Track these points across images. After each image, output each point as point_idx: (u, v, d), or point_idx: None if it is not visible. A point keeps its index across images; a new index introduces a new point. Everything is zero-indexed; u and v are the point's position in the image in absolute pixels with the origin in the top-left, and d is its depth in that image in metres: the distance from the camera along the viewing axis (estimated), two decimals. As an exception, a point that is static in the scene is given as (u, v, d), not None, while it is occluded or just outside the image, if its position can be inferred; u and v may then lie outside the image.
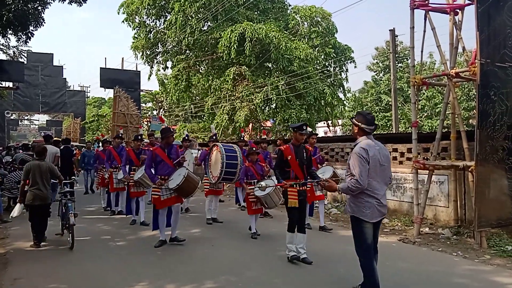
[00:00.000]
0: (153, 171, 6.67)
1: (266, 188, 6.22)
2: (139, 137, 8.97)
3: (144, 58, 27.57)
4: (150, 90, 36.88)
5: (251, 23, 22.09)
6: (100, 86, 27.11)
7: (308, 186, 6.06)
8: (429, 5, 7.51)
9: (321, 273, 5.18)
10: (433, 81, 8.54)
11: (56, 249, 6.54)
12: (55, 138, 13.92)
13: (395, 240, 7.12)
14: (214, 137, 9.07)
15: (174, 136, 6.89)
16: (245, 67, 22.43)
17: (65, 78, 38.91)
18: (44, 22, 12.73)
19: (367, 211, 4.01)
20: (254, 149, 7.90)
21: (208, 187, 8.58)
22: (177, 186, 6.24)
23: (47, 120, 54.86)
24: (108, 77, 26.07)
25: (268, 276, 5.14)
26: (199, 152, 9.21)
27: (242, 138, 11.37)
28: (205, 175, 8.50)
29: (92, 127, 41.04)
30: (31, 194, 6.62)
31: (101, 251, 6.45)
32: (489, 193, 6.42)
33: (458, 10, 7.48)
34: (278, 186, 5.92)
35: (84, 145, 19.54)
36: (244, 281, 4.92)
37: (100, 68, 27.13)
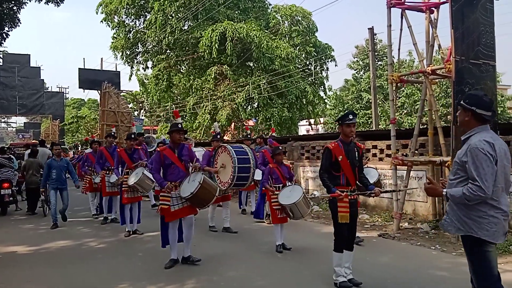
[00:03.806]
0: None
1: (318, 197, 4.69)
2: (132, 136, 8.03)
3: (124, 58, 27.25)
4: (131, 91, 36.44)
5: (232, 22, 22.07)
6: (79, 87, 26.56)
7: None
8: (405, 3, 7.64)
9: (304, 271, 5.22)
10: (411, 78, 8.69)
11: (37, 253, 6.44)
12: (34, 141, 14.98)
13: (375, 236, 7.22)
14: (218, 136, 7.71)
15: (183, 134, 5.81)
16: (227, 67, 22.41)
17: (43, 80, 38.11)
18: (20, 23, 12.48)
19: (492, 228, 2.90)
20: (280, 148, 6.63)
21: None
22: (191, 194, 5.20)
23: (24, 123, 53.81)
24: (87, 78, 25.55)
25: (251, 274, 5.15)
26: (204, 152, 7.93)
27: (248, 136, 9.75)
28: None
29: (71, 129, 40.38)
30: (28, 181, 10.36)
31: (82, 254, 6.36)
32: (465, 187, 6.56)
33: (433, 9, 7.62)
34: (326, 197, 4.49)
35: (49, 147, 14.28)
36: (226, 280, 4.92)
37: (79, 68, 26.59)
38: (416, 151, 7.90)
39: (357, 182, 4.64)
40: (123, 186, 7.41)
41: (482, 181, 2.83)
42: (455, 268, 5.26)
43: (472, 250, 3.01)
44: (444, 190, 3.07)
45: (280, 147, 6.73)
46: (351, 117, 4.52)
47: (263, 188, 6.79)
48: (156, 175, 5.59)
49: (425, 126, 8.53)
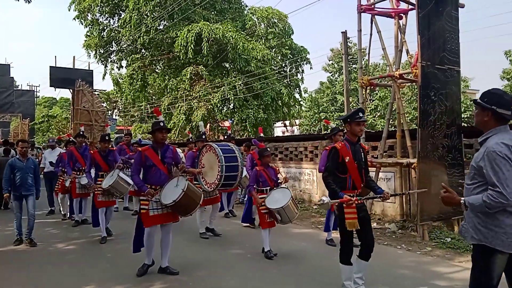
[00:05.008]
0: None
1: (327, 203, 4.01)
2: (107, 138, 7.60)
3: (98, 56, 26.79)
4: (104, 90, 35.86)
5: (208, 23, 22.04)
6: (50, 86, 25.98)
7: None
8: (375, 9, 7.84)
9: (273, 271, 5.28)
10: (383, 81, 8.91)
11: (1, 255, 6.28)
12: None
13: (345, 236, 7.35)
14: (203, 136, 7.33)
15: (166, 133, 5.36)
16: (202, 67, 22.35)
17: (13, 77, 37.23)
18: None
19: (508, 238, 2.70)
20: (268, 150, 6.31)
21: None
22: (173, 202, 4.87)
23: (-7, 121, 52.00)
24: (59, 76, 24.97)
25: (220, 275, 5.18)
26: (188, 153, 7.74)
27: (228, 135, 9.24)
28: (195, 182, 6.73)
29: (42, 128, 39.36)
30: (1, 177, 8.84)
31: (49, 255, 6.24)
32: (430, 188, 6.78)
33: (402, 15, 7.87)
34: (335, 203, 4.12)
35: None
36: (194, 281, 4.93)
37: (50, 67, 25.97)
38: (384, 153, 8.10)
39: (362, 185, 4.36)
40: (97, 190, 7.12)
41: (503, 186, 2.62)
42: (418, 267, 5.45)
43: (480, 257, 2.84)
44: (462, 198, 2.88)
45: (268, 149, 6.42)
46: (361, 114, 4.24)
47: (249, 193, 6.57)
48: (135, 178, 5.21)
49: (394, 128, 8.77)
